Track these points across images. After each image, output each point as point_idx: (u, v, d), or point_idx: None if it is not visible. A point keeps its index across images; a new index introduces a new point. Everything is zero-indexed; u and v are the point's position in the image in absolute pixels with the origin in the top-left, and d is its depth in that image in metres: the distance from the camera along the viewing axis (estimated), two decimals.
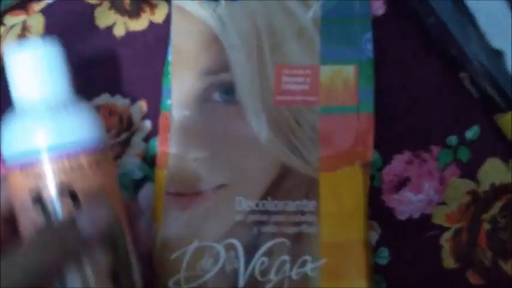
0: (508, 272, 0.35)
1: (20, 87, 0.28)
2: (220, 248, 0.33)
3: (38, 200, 0.26)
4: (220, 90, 0.35)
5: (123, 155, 0.36)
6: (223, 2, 0.36)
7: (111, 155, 0.29)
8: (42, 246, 0.24)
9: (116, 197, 0.28)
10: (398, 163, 0.36)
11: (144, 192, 0.36)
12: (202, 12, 0.35)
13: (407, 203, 0.36)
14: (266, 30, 0.35)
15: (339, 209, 0.34)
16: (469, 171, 0.36)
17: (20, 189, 0.26)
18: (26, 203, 0.26)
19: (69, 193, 0.26)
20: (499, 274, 0.35)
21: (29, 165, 0.26)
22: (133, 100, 0.37)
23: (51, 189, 0.26)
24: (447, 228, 0.36)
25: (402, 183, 0.36)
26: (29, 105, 0.27)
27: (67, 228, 0.25)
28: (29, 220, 0.26)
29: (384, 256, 0.36)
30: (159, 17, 0.38)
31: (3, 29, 0.40)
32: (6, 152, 0.27)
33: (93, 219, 0.25)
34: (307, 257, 0.33)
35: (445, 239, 0.36)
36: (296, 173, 0.34)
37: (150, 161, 0.36)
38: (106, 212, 0.26)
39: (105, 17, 0.38)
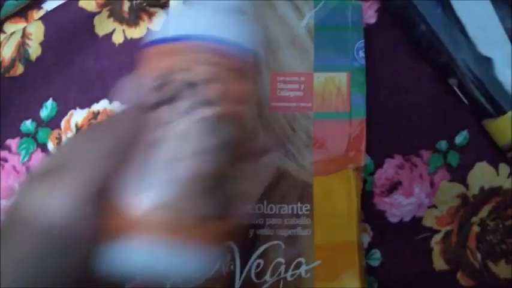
0: (498, 274, 0.35)
1: None
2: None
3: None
4: None
5: None
6: None
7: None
8: None
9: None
10: (390, 167, 0.36)
11: None
12: None
13: (399, 206, 0.36)
14: (261, 39, 0.35)
15: (332, 212, 0.34)
16: (459, 175, 0.36)
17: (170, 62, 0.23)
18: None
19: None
20: (488, 276, 0.35)
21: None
22: None
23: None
24: (437, 231, 0.36)
25: (393, 186, 0.36)
26: None
27: None
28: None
29: (376, 258, 0.36)
30: (157, 24, 0.39)
31: (2, 36, 0.40)
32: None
33: None
34: (302, 259, 0.33)
35: (436, 241, 0.36)
36: (291, 177, 0.34)
37: None
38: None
39: (104, 25, 0.39)
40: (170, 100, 0.23)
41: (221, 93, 0.23)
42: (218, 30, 0.24)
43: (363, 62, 0.36)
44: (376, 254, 0.36)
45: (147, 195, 0.21)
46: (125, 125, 0.23)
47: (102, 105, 0.38)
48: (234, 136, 0.23)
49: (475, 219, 0.36)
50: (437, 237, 0.36)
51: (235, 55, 0.24)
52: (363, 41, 0.36)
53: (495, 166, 0.36)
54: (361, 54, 0.36)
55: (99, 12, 0.39)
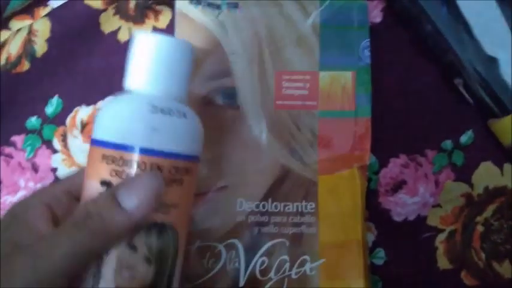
0: (501, 273, 0.36)
1: (141, 73, 0.26)
2: (221, 247, 0.33)
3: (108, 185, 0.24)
4: (222, 95, 0.35)
5: None
6: (225, 9, 0.36)
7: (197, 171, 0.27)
8: (82, 229, 0.23)
9: (184, 212, 0.26)
10: (395, 166, 0.37)
11: None
12: (205, 19, 0.36)
13: (403, 205, 0.36)
14: (267, 37, 0.36)
15: (337, 211, 0.34)
16: (464, 174, 0.36)
17: (96, 170, 0.25)
18: (95, 186, 0.25)
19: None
20: (492, 275, 0.36)
21: (116, 154, 0.24)
22: None
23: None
24: (442, 230, 0.36)
25: (398, 186, 0.36)
26: (142, 94, 0.26)
27: (108, 206, 0.23)
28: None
29: (380, 256, 0.36)
30: (162, 23, 0.39)
31: (9, 33, 0.40)
32: (100, 130, 0.25)
33: (137, 196, 0.23)
34: (306, 257, 0.33)
35: (440, 241, 0.36)
36: (295, 176, 0.34)
37: None
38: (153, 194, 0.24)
39: (110, 22, 0.39)
40: None
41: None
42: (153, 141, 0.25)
43: (369, 61, 0.36)
44: (381, 252, 0.36)
45: None
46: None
47: None
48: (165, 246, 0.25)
49: (479, 218, 0.36)
50: (441, 237, 0.36)
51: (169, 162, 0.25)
52: (368, 40, 0.36)
53: (500, 166, 0.36)
54: (367, 53, 0.36)
55: (105, 10, 0.39)
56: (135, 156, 0.24)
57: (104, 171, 0.24)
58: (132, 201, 0.23)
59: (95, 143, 0.25)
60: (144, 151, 0.24)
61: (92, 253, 0.23)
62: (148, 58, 0.26)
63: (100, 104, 0.38)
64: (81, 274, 0.24)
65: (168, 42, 0.26)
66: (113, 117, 0.25)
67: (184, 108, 0.26)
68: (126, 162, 0.24)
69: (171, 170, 0.25)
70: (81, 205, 0.25)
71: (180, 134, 0.25)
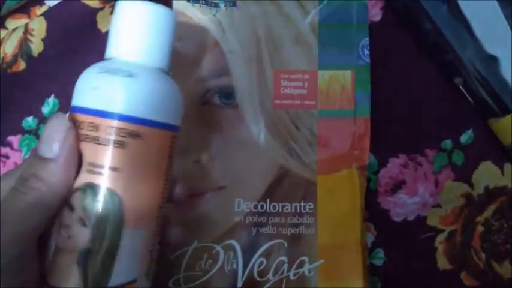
0: (502, 274, 0.35)
1: (122, 41, 0.26)
2: (219, 248, 0.33)
3: None
4: (220, 94, 0.35)
5: None
6: (223, 8, 0.36)
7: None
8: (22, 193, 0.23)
9: (133, 181, 0.25)
10: (394, 166, 0.36)
11: None
12: (203, 17, 0.36)
13: (403, 205, 0.36)
14: (265, 36, 0.36)
15: (336, 211, 0.34)
16: (464, 174, 0.36)
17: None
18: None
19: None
20: (492, 276, 0.35)
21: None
22: None
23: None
24: (442, 230, 0.36)
25: (398, 185, 0.36)
26: (122, 63, 0.26)
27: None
28: None
29: (380, 257, 0.36)
30: None
31: (5, 32, 0.40)
32: (79, 98, 0.25)
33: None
34: (305, 258, 0.33)
35: (440, 241, 0.36)
36: (294, 176, 0.34)
37: None
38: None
39: (106, 21, 0.39)
40: None
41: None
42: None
43: (368, 59, 0.36)
44: (380, 253, 0.36)
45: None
46: None
47: None
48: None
49: (479, 218, 0.36)
50: (441, 237, 0.36)
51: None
52: (367, 38, 0.36)
53: (500, 166, 0.36)
54: (366, 52, 0.36)
55: (102, 8, 0.39)
56: (77, 116, 0.25)
57: None
58: (50, 148, 0.24)
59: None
60: (81, 110, 0.25)
61: (37, 213, 0.24)
62: (121, 25, 0.26)
63: None
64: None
65: (142, 8, 0.26)
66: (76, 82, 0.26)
67: (139, 69, 0.25)
68: (74, 123, 0.25)
69: (106, 129, 0.24)
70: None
71: (120, 93, 0.24)
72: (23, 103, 0.39)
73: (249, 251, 0.33)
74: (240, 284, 0.33)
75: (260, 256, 0.33)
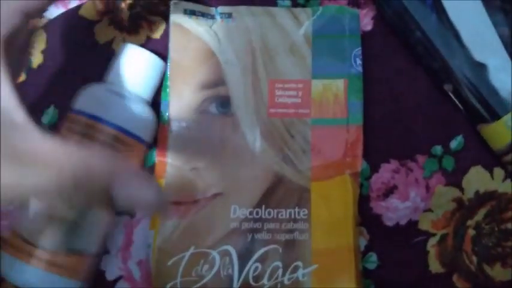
0: (493, 277, 0.36)
1: (121, 75, 0.35)
2: (215, 254, 0.34)
3: None
4: (216, 103, 0.36)
5: None
6: (219, 20, 0.37)
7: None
8: None
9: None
10: (386, 172, 0.37)
11: None
12: (199, 29, 0.36)
13: (395, 210, 0.36)
14: (260, 47, 0.36)
15: (330, 217, 0.34)
16: (454, 179, 0.36)
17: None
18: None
19: None
20: (484, 278, 0.36)
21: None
22: None
23: None
24: (433, 234, 0.36)
25: (389, 191, 0.37)
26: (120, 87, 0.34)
27: None
28: None
29: (373, 261, 0.36)
30: (156, 33, 0.39)
31: None
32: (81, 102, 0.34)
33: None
34: (299, 263, 0.33)
35: (432, 245, 0.36)
36: (288, 182, 0.35)
37: (148, 170, 0.37)
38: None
39: (104, 33, 0.39)
40: None
41: None
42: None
43: (360, 69, 0.36)
44: (373, 257, 0.36)
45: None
46: None
47: None
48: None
49: (470, 222, 0.36)
50: (433, 241, 0.36)
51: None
52: (360, 48, 0.36)
53: (490, 170, 0.37)
54: (359, 61, 0.36)
55: (99, 21, 0.39)
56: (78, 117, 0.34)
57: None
58: None
59: None
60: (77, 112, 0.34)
61: None
62: (127, 64, 0.35)
63: None
64: None
65: (143, 55, 0.35)
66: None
67: (132, 95, 0.35)
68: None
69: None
70: None
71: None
72: None
73: (244, 257, 0.34)
74: None
75: (255, 261, 0.33)
